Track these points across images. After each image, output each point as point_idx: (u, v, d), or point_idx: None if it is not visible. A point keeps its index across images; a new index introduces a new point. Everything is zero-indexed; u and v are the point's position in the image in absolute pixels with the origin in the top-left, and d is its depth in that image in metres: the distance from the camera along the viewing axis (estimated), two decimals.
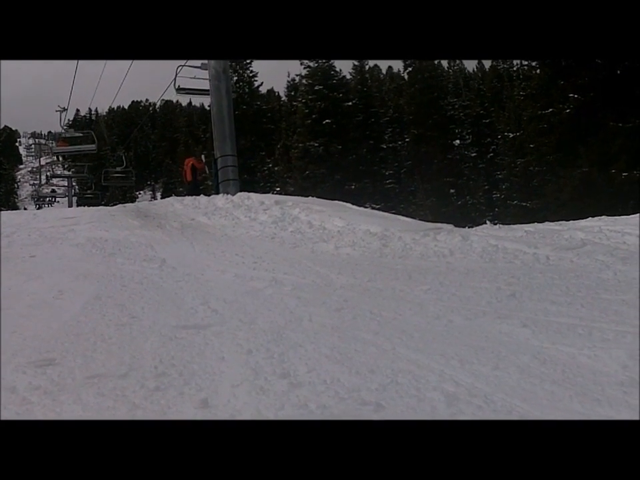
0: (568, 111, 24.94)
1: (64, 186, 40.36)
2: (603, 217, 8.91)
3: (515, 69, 42.02)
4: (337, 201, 12.74)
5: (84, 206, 34.48)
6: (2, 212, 14.75)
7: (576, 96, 24.66)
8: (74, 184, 43.14)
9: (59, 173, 44.59)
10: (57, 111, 22.46)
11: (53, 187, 43.16)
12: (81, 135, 36.67)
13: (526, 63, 29.52)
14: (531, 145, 27.29)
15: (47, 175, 43.67)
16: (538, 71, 27.66)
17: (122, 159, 33.06)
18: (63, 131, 33.22)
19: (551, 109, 25.72)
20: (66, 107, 21.03)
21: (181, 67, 15.68)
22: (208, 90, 15.91)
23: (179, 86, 16.20)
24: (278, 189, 36.52)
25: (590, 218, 8.89)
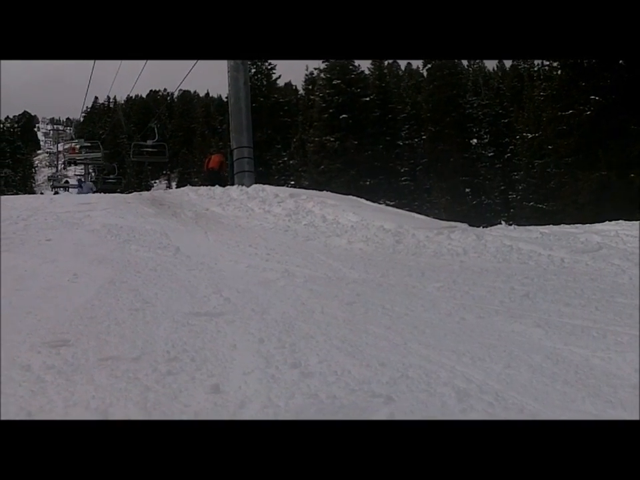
0: (588, 113, 24.69)
1: (80, 175, 41.66)
2: (620, 221, 8.83)
3: (535, 69, 41.70)
4: (351, 196, 12.73)
5: (104, 191, 35.19)
6: (20, 196, 14.88)
7: (597, 98, 24.41)
8: (90, 171, 43.66)
9: (75, 159, 45.49)
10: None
11: (67, 179, 44.14)
12: (89, 144, 39.42)
13: (547, 63, 29.23)
14: (550, 147, 27.04)
15: (64, 161, 44.55)
16: (559, 72, 27.39)
17: (154, 132, 27.89)
18: (75, 140, 33.99)
19: (571, 111, 25.47)
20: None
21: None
22: None
23: None
24: (293, 182, 36.53)
25: (607, 222, 8.81)
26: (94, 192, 23.45)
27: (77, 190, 22.15)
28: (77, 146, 38.23)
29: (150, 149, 28.47)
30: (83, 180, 24.09)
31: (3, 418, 2.11)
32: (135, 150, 27.91)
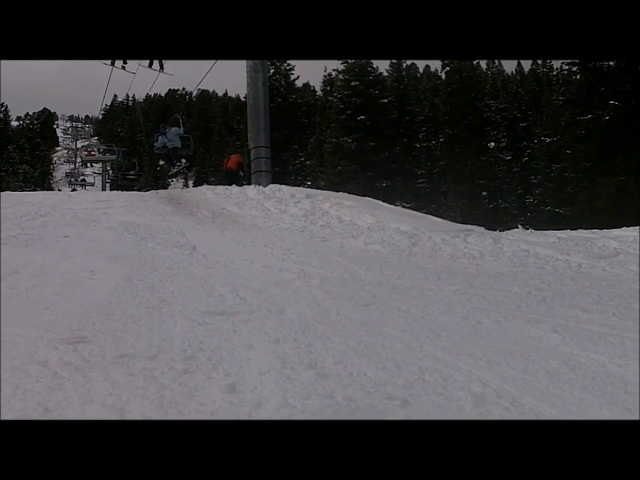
0: (607, 118, 24.51)
1: (99, 160, 42.98)
2: (638, 227, 8.75)
3: (554, 73, 41.41)
4: (367, 198, 12.71)
5: (123, 188, 35.70)
6: (38, 192, 15.01)
7: (616, 103, 24.21)
8: (108, 168, 44.21)
9: (97, 147, 46.58)
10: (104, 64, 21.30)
11: (84, 177, 45.20)
12: (105, 147, 42.34)
13: (566, 67, 28.98)
14: (568, 151, 26.85)
15: (81, 158, 45.68)
16: (578, 76, 27.20)
17: (179, 123, 23.89)
18: (93, 137, 34.69)
19: (589, 115, 25.29)
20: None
21: None
22: None
23: None
24: (309, 182, 36.56)
25: (624, 227, 8.74)
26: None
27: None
28: (94, 148, 39.58)
29: None
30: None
31: (14, 416, 2.13)
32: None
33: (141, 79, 24.93)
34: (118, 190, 32.53)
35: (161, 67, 22.26)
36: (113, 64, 19.78)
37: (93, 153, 43.25)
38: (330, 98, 42.23)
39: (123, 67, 21.23)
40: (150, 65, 22.02)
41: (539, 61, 56.18)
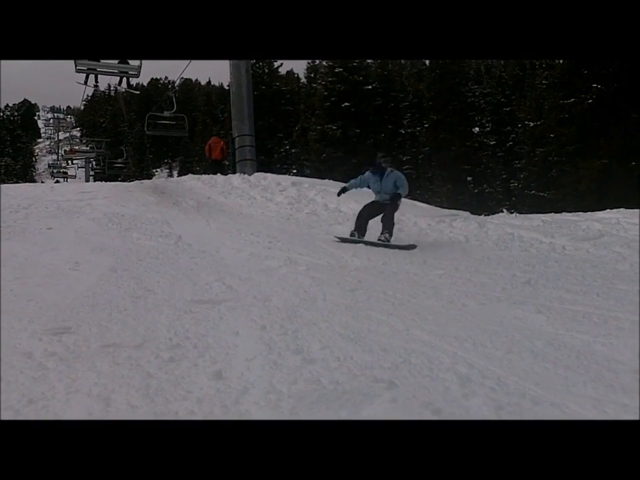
0: (590, 101, 24.61)
1: (82, 157, 43.71)
2: (621, 209, 8.83)
3: None
4: None
5: (110, 177, 36.22)
6: (20, 185, 14.86)
7: (599, 86, 24.31)
8: (91, 160, 44.01)
9: (77, 148, 47.12)
10: (77, 82, 21.07)
11: (66, 170, 45.56)
12: (87, 148, 43.96)
13: None
14: (551, 135, 26.94)
15: (64, 150, 45.80)
16: (561, 60, 27.26)
17: (173, 101, 23.25)
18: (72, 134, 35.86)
19: (572, 99, 25.38)
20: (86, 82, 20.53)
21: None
22: None
23: None
24: (295, 170, 36.46)
25: (608, 210, 8.81)
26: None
27: None
28: (75, 146, 40.81)
29: (167, 121, 24.26)
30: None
31: (3, 409, 2.11)
32: (149, 122, 23.51)
33: None
34: (103, 180, 32.42)
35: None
36: (86, 82, 19.70)
37: (74, 149, 44.19)
38: (314, 85, 42.05)
39: (96, 86, 21.11)
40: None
41: None
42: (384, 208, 7.33)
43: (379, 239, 6.94)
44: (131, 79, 19.94)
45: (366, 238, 7.19)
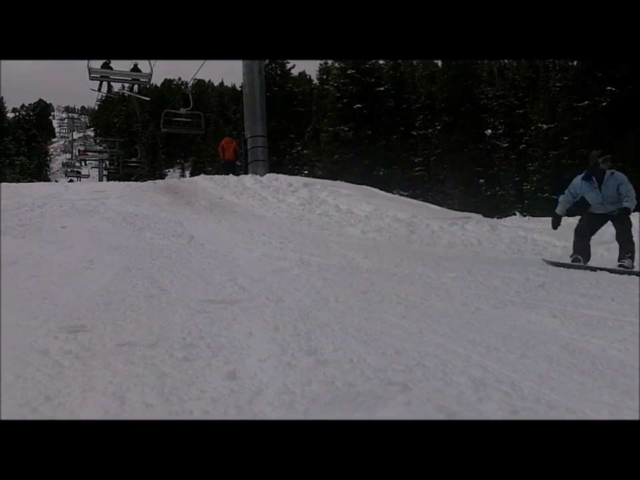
0: (604, 104, 24.46)
1: (95, 158, 44.44)
2: (636, 213, 8.75)
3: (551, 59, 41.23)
4: (364, 186, 12.71)
5: (125, 176, 36.78)
6: (35, 184, 14.98)
7: (613, 89, 24.15)
8: (104, 160, 44.37)
9: (91, 148, 48.00)
10: (91, 89, 21.41)
11: (79, 170, 46.28)
12: (100, 149, 45.05)
13: None
14: (565, 138, 26.82)
15: (78, 150, 46.44)
16: (575, 63, 27.12)
17: (189, 99, 22.73)
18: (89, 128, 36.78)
19: (586, 102, 25.24)
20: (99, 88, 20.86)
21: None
22: None
23: None
24: (306, 172, 36.48)
25: None
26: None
27: None
28: (88, 148, 41.96)
29: (183, 119, 23.75)
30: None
31: (20, 405, 2.13)
32: (165, 119, 23.01)
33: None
34: (116, 179, 32.75)
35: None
36: (99, 89, 20.35)
37: (87, 152, 45.37)
38: (326, 86, 42.01)
39: (109, 92, 21.67)
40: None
41: None
42: (613, 221, 6.01)
43: (619, 266, 5.58)
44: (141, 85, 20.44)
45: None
